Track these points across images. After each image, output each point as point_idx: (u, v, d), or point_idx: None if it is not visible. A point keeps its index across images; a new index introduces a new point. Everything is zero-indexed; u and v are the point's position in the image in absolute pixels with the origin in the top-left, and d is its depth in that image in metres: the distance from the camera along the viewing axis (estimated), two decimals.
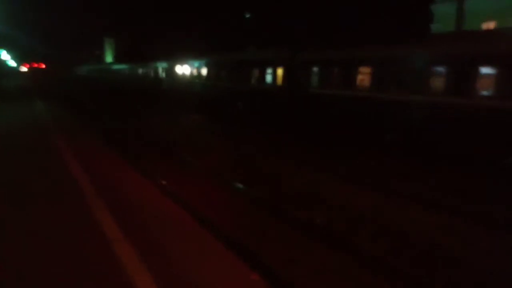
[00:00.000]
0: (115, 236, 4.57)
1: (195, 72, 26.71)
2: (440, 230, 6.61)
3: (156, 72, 34.19)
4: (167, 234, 4.97)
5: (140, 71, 39.27)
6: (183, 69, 28.65)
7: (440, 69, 11.75)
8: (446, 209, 7.42)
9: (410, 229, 6.57)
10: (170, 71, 31.29)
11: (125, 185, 7.25)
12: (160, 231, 5.00)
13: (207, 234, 5.19)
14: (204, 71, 25.28)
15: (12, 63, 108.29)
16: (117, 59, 79.16)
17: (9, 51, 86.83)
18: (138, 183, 7.64)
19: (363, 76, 14.18)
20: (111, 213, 5.31)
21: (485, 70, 10.70)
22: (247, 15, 26.77)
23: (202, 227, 5.45)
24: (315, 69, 16.05)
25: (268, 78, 18.78)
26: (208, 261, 4.26)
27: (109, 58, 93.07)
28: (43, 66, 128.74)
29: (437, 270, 5.32)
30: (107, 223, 4.97)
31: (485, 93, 10.79)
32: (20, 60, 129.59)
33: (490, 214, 7.23)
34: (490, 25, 20.93)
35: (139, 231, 4.84)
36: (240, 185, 8.59)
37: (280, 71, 17.89)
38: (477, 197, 8.21)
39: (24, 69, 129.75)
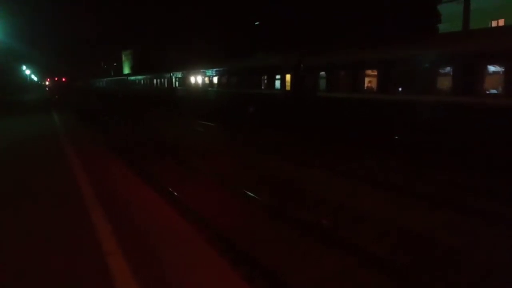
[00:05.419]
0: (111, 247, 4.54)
1: (206, 80, 27.04)
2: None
3: (169, 81, 34.72)
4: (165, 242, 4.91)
5: (154, 81, 39.93)
6: (195, 78, 29.02)
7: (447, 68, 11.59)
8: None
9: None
10: (183, 80, 31.75)
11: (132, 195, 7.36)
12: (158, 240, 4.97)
13: (203, 242, 5.17)
14: (215, 79, 25.57)
15: (33, 78, 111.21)
16: (134, 70, 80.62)
17: (29, 67, 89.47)
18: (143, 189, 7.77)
19: (369, 78, 14.12)
20: (109, 219, 5.39)
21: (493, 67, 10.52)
22: (256, 23, 26.92)
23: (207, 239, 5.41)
24: (322, 73, 16.06)
25: (277, 83, 18.88)
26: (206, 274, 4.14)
27: (126, 70, 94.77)
28: (64, 79, 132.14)
29: (441, 269, 5.28)
30: (104, 232, 5.01)
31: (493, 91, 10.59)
32: (42, 75, 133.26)
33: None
34: (499, 22, 20.54)
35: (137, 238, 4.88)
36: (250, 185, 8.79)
37: (288, 76, 17.96)
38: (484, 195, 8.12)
39: (47, 83, 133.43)
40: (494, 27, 19.31)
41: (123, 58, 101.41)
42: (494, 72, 10.52)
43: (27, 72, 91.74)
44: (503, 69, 10.03)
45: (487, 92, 10.52)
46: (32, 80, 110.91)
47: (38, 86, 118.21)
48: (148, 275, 3.88)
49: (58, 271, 3.98)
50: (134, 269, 3.94)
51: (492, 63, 10.40)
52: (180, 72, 32.35)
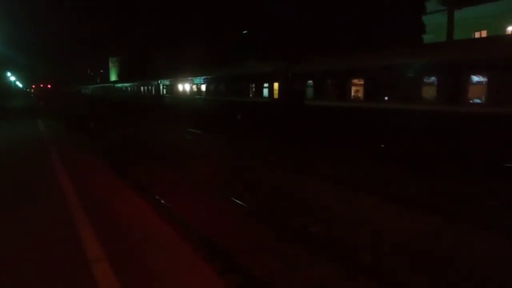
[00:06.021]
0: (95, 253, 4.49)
1: (194, 87, 26.94)
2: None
3: (157, 89, 34.54)
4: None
5: (141, 88, 39.68)
6: (183, 85, 28.90)
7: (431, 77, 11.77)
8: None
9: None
10: (171, 88, 31.58)
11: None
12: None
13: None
14: (203, 87, 25.50)
15: (18, 84, 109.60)
16: (121, 77, 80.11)
17: (14, 73, 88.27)
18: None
19: (356, 87, 14.24)
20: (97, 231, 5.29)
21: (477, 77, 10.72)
22: (245, 32, 27.02)
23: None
24: (309, 81, 16.13)
25: (265, 91, 18.92)
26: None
27: (113, 77, 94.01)
28: (50, 86, 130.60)
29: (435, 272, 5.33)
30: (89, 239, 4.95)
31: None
32: (27, 81, 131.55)
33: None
34: (482, 33, 21.02)
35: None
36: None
37: (275, 85, 18.02)
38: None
39: (32, 90, 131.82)
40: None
41: (110, 65, 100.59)
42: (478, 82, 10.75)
43: (12, 78, 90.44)
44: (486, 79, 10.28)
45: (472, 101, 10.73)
46: (17, 86, 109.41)
47: (24, 93, 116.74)
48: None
49: (41, 280, 3.90)
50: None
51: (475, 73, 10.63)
52: (168, 80, 32.21)
